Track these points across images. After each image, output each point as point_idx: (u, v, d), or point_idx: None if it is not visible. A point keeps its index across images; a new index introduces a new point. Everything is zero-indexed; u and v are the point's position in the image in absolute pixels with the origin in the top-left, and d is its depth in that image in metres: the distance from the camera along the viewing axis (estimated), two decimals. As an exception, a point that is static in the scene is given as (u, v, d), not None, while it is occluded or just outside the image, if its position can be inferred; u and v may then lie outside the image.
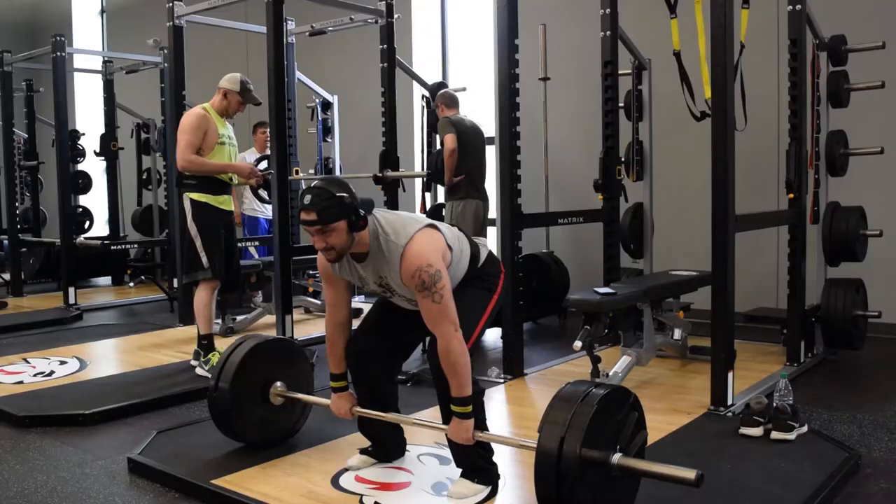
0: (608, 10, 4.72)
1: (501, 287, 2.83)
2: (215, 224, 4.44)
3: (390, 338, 2.89)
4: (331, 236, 2.51)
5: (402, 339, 2.93)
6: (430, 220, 2.67)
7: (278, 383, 3.13)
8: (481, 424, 2.71)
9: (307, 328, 5.91)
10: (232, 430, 3.12)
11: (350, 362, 2.89)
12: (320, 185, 2.53)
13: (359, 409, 2.89)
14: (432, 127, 6.57)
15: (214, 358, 4.34)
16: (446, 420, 2.67)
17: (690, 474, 2.15)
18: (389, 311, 2.87)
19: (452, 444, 2.73)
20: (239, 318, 5.80)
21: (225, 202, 4.52)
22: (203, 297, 4.44)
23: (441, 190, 5.81)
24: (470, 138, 5.57)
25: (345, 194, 2.51)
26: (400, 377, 3.64)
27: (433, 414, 3.55)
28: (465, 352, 2.54)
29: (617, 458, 2.23)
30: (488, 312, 2.75)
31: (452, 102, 5.76)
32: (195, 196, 4.39)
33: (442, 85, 6.68)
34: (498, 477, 2.72)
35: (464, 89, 6.91)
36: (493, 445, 2.74)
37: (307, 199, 2.50)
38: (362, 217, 2.53)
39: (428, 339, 2.72)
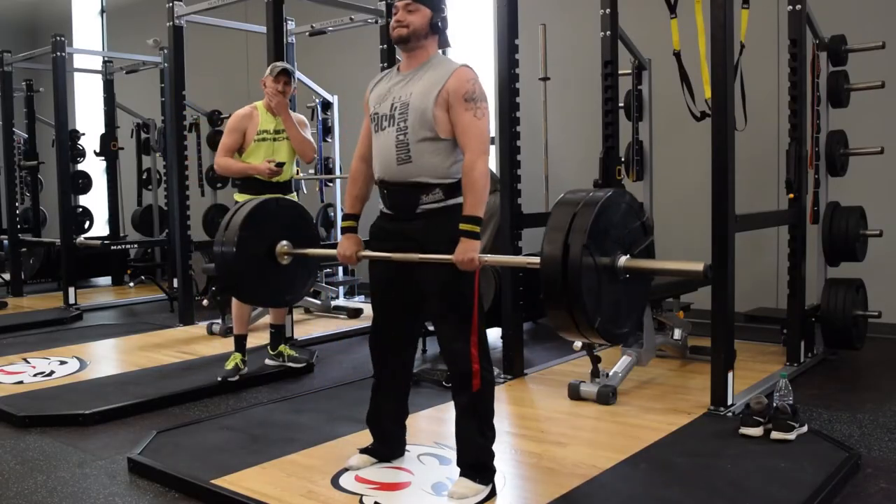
0: (608, 10, 4.71)
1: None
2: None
3: (399, 329, 2.87)
4: (413, 14, 2.64)
5: (407, 327, 2.90)
6: None
7: (284, 242, 3.07)
8: (488, 419, 2.71)
9: (307, 328, 5.92)
10: (242, 290, 3.09)
11: (374, 355, 2.89)
12: None
13: (364, 252, 2.82)
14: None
15: (231, 362, 4.30)
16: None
17: (698, 266, 2.13)
18: (389, 303, 2.85)
19: (456, 435, 2.72)
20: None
21: None
22: (233, 299, 4.40)
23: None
24: None
25: (443, 2, 2.70)
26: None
27: (434, 414, 3.56)
28: (487, 175, 2.57)
29: (623, 260, 2.20)
30: (476, 288, 2.66)
31: None
32: (238, 196, 4.33)
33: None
34: (495, 473, 2.72)
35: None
36: (494, 446, 2.74)
37: None
38: (444, 29, 2.68)
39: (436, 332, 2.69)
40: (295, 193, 4.47)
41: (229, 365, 4.28)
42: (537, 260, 2.20)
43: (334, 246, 5.08)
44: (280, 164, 4.25)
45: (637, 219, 2.30)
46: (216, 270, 3.10)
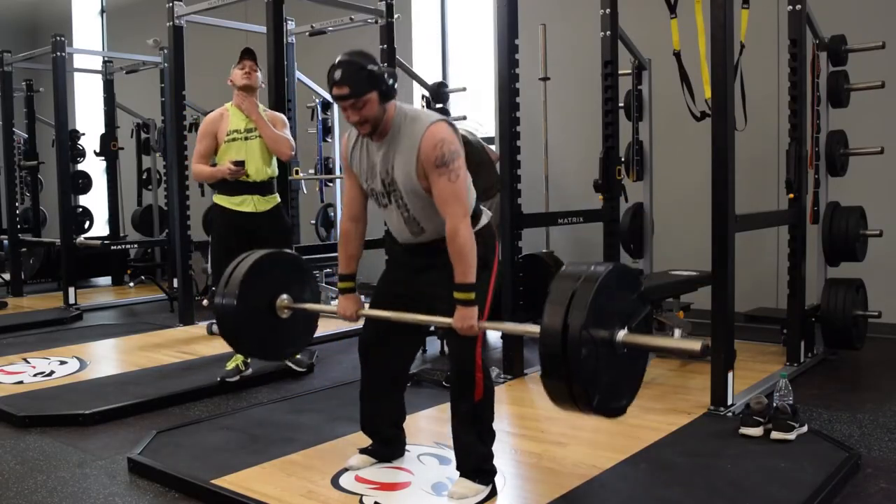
0: (608, 10, 4.72)
1: (497, 265, 2.79)
2: (224, 228, 4.26)
3: (398, 335, 2.86)
4: (364, 108, 2.51)
5: (409, 337, 2.91)
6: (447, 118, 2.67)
7: (284, 296, 3.07)
8: (488, 425, 2.72)
9: (307, 328, 5.91)
10: (240, 343, 3.07)
11: (363, 353, 2.88)
12: (348, 59, 2.51)
13: (364, 311, 2.83)
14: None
15: (232, 363, 4.28)
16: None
17: (695, 345, 2.13)
18: (391, 301, 2.85)
19: (455, 442, 2.73)
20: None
21: (244, 203, 4.22)
22: None
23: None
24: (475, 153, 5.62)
25: (373, 66, 2.51)
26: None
27: (434, 414, 3.56)
28: (472, 238, 2.53)
29: (622, 334, 2.21)
30: (490, 292, 2.70)
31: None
32: (215, 199, 4.29)
33: (442, 85, 6.68)
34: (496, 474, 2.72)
35: (464, 89, 6.91)
36: (494, 447, 2.74)
37: (338, 74, 2.49)
38: (391, 87, 2.54)
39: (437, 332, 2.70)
40: (276, 194, 4.36)
41: (230, 365, 4.27)
42: (537, 329, 2.22)
43: (333, 247, 5.03)
44: (239, 163, 4.10)
45: (635, 290, 2.32)
46: (216, 317, 3.10)
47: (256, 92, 4.31)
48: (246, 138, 4.23)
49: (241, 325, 2.99)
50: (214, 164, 4.26)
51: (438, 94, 6.28)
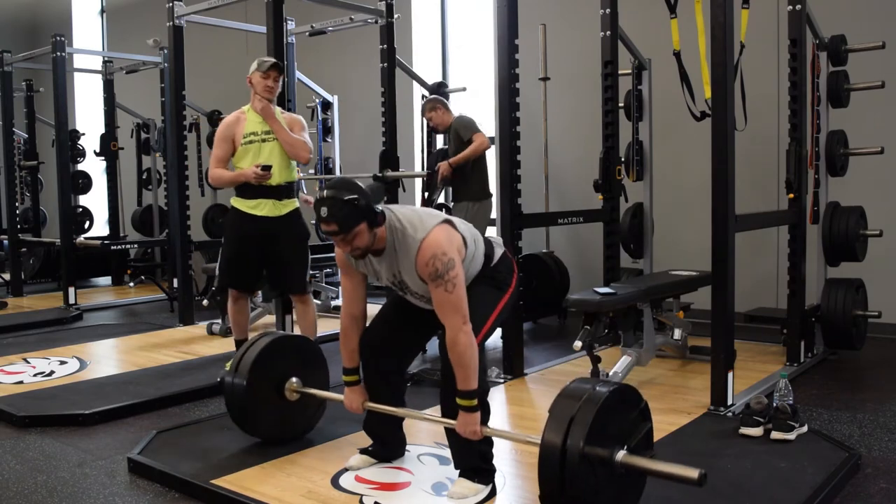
0: (608, 10, 4.72)
1: (515, 286, 2.83)
2: (237, 231, 4.19)
3: (403, 332, 2.90)
4: (355, 240, 2.54)
5: (415, 333, 2.94)
6: (446, 216, 2.69)
7: (294, 379, 3.13)
8: (485, 424, 2.71)
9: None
10: (248, 424, 3.13)
11: (363, 354, 2.89)
12: (333, 194, 2.52)
13: (370, 403, 2.89)
14: (432, 129, 6.57)
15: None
16: (449, 414, 2.67)
17: (693, 473, 2.14)
18: (403, 306, 2.87)
19: (452, 444, 2.73)
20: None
21: (258, 207, 4.11)
22: (229, 305, 4.33)
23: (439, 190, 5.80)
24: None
25: (357, 196, 2.52)
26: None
27: (434, 413, 3.55)
28: (473, 345, 2.54)
29: (621, 455, 2.23)
30: (499, 309, 2.75)
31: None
32: (232, 201, 4.22)
33: (442, 85, 6.69)
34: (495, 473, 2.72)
35: (464, 89, 6.91)
36: (494, 447, 2.74)
37: (323, 211, 2.51)
38: (380, 213, 2.57)
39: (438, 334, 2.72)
40: (295, 199, 4.29)
41: (230, 366, 4.25)
42: (537, 440, 2.24)
43: (332, 247, 5.01)
44: (266, 168, 4.04)
45: (637, 407, 2.33)
46: (224, 397, 3.15)
47: (274, 95, 4.24)
48: (263, 140, 4.13)
49: (250, 405, 3.08)
50: (232, 169, 4.20)
51: (438, 94, 6.28)
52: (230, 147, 4.16)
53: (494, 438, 2.74)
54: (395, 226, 2.61)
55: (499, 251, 2.82)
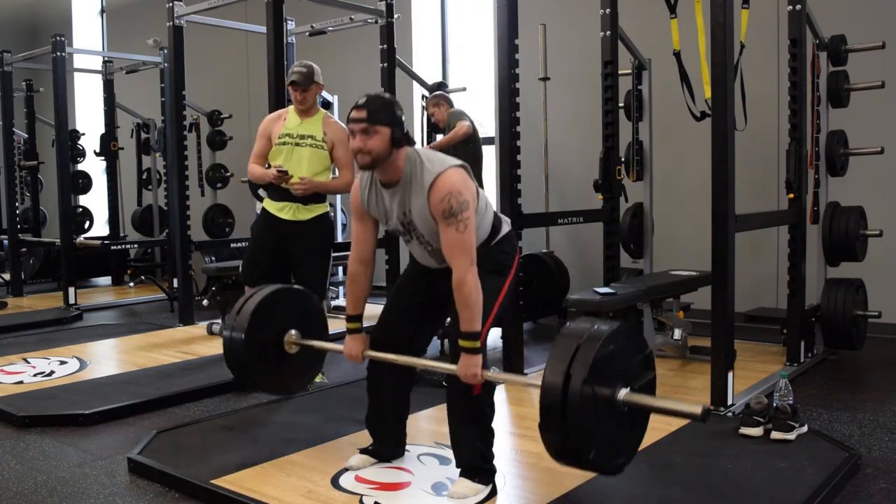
0: (608, 10, 4.72)
1: (515, 270, 2.81)
2: (261, 231, 4.15)
3: (407, 331, 2.88)
4: (372, 138, 2.53)
5: (419, 332, 2.93)
6: (463, 163, 2.67)
7: (293, 331, 3.09)
8: (488, 423, 2.73)
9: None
10: (247, 378, 3.09)
11: (370, 371, 2.91)
12: (378, 94, 2.63)
13: (370, 352, 2.85)
14: (433, 127, 6.57)
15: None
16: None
17: (696, 409, 2.13)
18: (405, 306, 2.87)
19: (454, 443, 2.73)
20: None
21: (283, 210, 4.04)
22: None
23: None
24: (477, 133, 5.72)
25: (398, 110, 2.59)
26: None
27: (434, 414, 3.56)
28: (479, 287, 2.54)
29: (623, 393, 2.21)
30: (500, 299, 2.73)
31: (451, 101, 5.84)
32: (265, 204, 4.17)
33: (442, 85, 6.69)
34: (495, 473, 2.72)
35: (464, 89, 6.91)
36: (494, 447, 2.74)
37: (362, 99, 2.57)
38: (405, 134, 2.57)
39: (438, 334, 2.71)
40: (323, 204, 4.14)
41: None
42: (538, 382, 2.22)
43: (335, 246, 5.02)
44: (283, 171, 3.96)
45: (640, 353, 2.32)
46: (224, 351, 3.11)
47: (314, 108, 4.20)
48: (297, 144, 4.04)
49: (249, 359, 3.02)
50: (269, 166, 4.15)
51: (437, 93, 6.29)
52: (267, 144, 4.12)
53: (494, 439, 2.75)
54: (415, 158, 2.61)
55: (506, 227, 2.80)
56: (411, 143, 2.63)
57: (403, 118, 2.60)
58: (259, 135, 4.17)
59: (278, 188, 4.03)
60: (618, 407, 2.20)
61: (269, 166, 4.15)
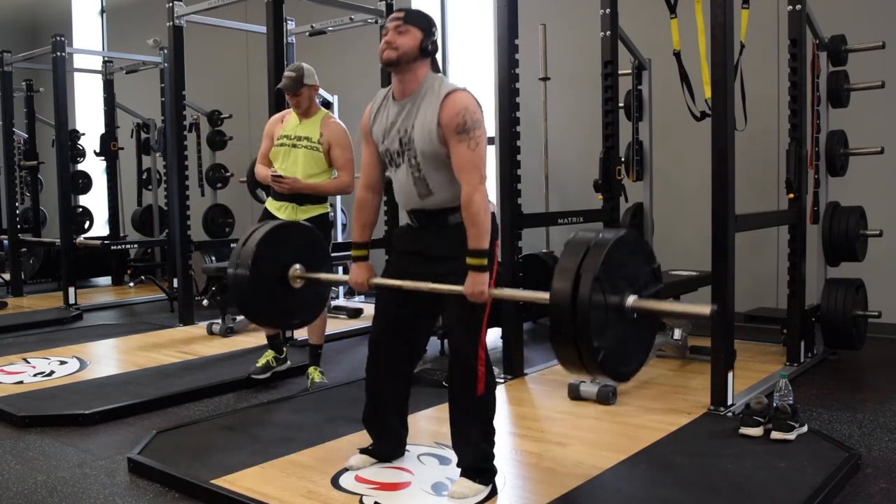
0: (608, 10, 4.72)
1: (497, 258, 2.79)
2: None
3: (405, 328, 2.86)
4: (403, 36, 2.60)
5: (415, 332, 2.91)
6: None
7: (297, 266, 3.06)
8: (490, 422, 2.72)
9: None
10: (253, 313, 3.08)
11: (369, 350, 2.90)
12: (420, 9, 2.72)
13: (376, 280, 2.83)
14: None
15: (263, 359, 4.31)
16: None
17: (706, 309, 2.14)
18: (397, 308, 2.85)
19: (455, 442, 2.74)
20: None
21: (281, 209, 4.07)
22: None
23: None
24: None
25: (434, 26, 2.67)
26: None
27: (434, 414, 3.56)
28: (487, 206, 2.57)
29: (632, 299, 2.21)
30: (495, 266, 2.70)
31: None
32: (267, 204, 4.20)
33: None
34: (496, 474, 2.73)
35: (464, 89, 6.90)
36: (495, 447, 2.74)
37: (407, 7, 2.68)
38: (434, 46, 2.65)
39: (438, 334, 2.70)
40: (322, 205, 4.16)
41: (261, 362, 4.32)
42: (546, 295, 2.22)
43: (333, 247, 5.02)
44: (277, 176, 4.00)
45: (648, 263, 2.32)
46: (229, 288, 3.09)
47: (313, 109, 4.20)
48: (294, 145, 4.09)
49: (254, 293, 2.98)
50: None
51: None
52: (270, 144, 4.19)
53: (495, 442, 2.74)
54: (434, 77, 2.67)
55: (491, 206, 2.73)
56: (436, 66, 2.69)
57: (435, 32, 2.67)
58: (264, 135, 4.24)
59: (295, 195, 4.08)
60: (626, 313, 2.20)
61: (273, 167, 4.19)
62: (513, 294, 2.93)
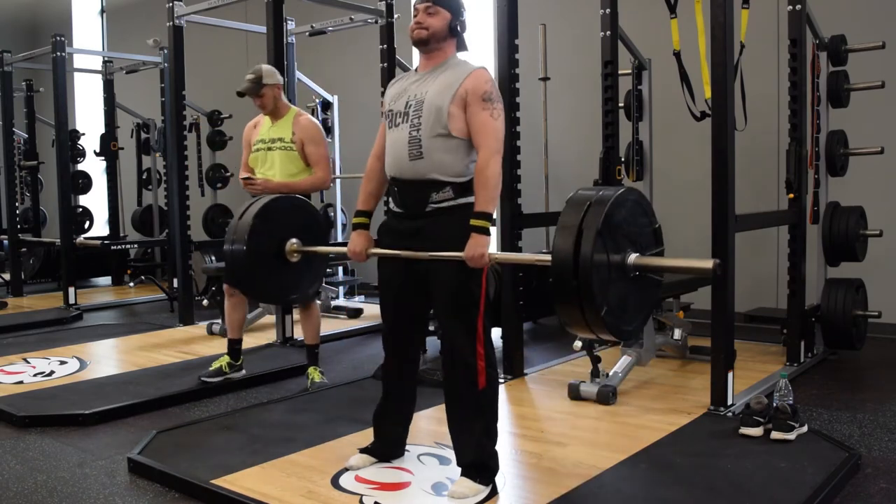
0: (608, 10, 4.71)
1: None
2: None
3: (406, 323, 2.86)
4: (432, 17, 2.67)
5: (416, 325, 2.92)
6: None
7: (293, 240, 3.07)
8: (493, 418, 2.72)
9: (307, 328, 5.91)
10: (250, 287, 3.08)
11: (387, 369, 2.91)
12: None
13: (374, 249, 2.83)
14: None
15: (217, 364, 4.25)
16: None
17: (707, 264, 2.14)
18: (396, 304, 2.86)
19: (455, 440, 2.74)
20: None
21: None
22: (225, 301, 4.33)
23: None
24: None
25: (464, 8, 2.73)
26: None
27: (434, 414, 3.56)
28: (500, 174, 2.61)
29: (634, 257, 2.21)
30: (484, 289, 2.68)
31: None
32: None
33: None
34: (497, 473, 2.73)
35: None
36: (496, 445, 2.74)
37: None
38: (463, 29, 2.72)
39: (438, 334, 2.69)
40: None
41: (214, 366, 4.25)
42: (548, 257, 2.21)
43: (333, 247, 5.01)
44: (245, 179, 4.05)
45: (649, 222, 2.31)
46: (225, 264, 3.08)
47: (282, 108, 4.17)
48: (269, 148, 4.14)
49: (250, 268, 2.98)
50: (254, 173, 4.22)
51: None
52: (249, 152, 4.23)
53: (497, 439, 2.74)
54: (461, 57, 2.74)
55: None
56: (463, 44, 2.75)
57: (464, 16, 2.73)
58: (243, 144, 4.27)
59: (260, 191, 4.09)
60: (628, 270, 2.21)
61: (255, 173, 4.20)
62: (513, 257, 2.94)
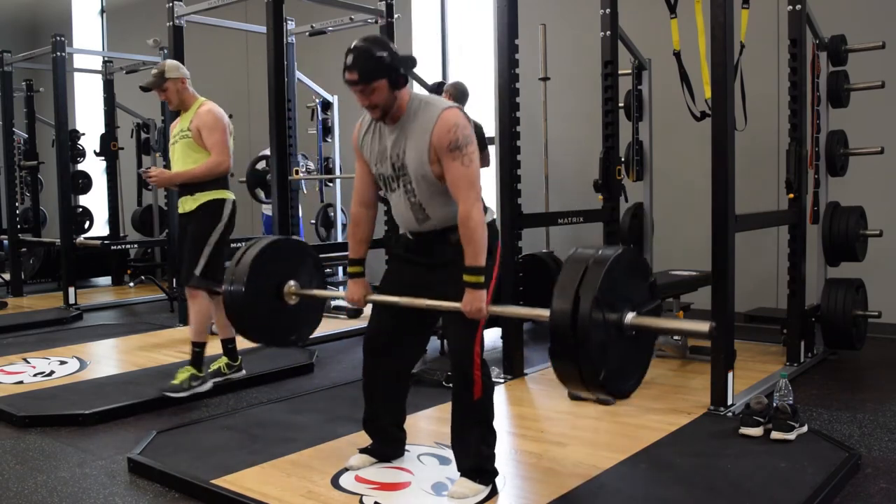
0: (608, 10, 4.72)
1: (499, 262, 2.78)
2: (181, 228, 4.27)
3: (402, 333, 2.86)
4: (373, 94, 2.54)
5: (413, 335, 2.91)
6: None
7: (292, 282, 3.07)
8: (489, 425, 2.72)
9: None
10: (248, 329, 3.08)
11: (364, 356, 2.89)
12: (362, 45, 2.55)
13: (373, 296, 2.83)
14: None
15: (181, 375, 4.04)
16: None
17: (704, 326, 2.14)
18: (394, 310, 2.86)
19: (455, 445, 2.74)
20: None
21: (181, 204, 4.17)
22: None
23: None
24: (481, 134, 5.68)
25: (385, 53, 2.54)
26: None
27: (434, 414, 3.56)
28: (484, 222, 2.56)
29: (631, 317, 2.22)
30: (495, 276, 2.71)
31: (461, 96, 5.77)
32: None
33: (441, 85, 6.68)
34: (496, 475, 2.73)
35: (451, 105, 6.90)
36: (496, 446, 2.74)
37: (349, 58, 2.53)
38: (402, 75, 2.57)
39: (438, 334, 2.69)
40: (210, 192, 4.12)
41: (179, 378, 4.03)
42: (546, 313, 2.22)
43: (333, 247, 5.02)
44: (141, 171, 4.15)
45: (645, 280, 2.32)
46: (225, 308, 3.10)
47: (188, 101, 4.16)
48: (175, 142, 4.18)
49: (248, 309, 2.99)
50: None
51: (438, 95, 6.28)
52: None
53: (496, 443, 2.74)
54: (419, 96, 2.64)
55: (489, 216, 2.73)
56: (412, 66, 2.63)
57: (394, 57, 2.55)
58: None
59: (182, 186, 4.13)
60: (626, 330, 2.21)
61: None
62: (512, 311, 2.92)
